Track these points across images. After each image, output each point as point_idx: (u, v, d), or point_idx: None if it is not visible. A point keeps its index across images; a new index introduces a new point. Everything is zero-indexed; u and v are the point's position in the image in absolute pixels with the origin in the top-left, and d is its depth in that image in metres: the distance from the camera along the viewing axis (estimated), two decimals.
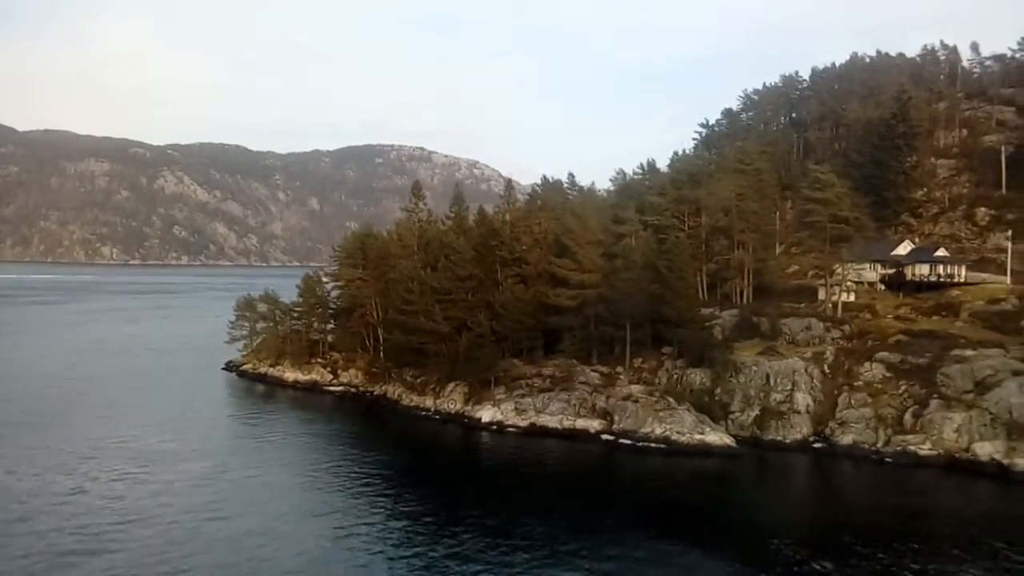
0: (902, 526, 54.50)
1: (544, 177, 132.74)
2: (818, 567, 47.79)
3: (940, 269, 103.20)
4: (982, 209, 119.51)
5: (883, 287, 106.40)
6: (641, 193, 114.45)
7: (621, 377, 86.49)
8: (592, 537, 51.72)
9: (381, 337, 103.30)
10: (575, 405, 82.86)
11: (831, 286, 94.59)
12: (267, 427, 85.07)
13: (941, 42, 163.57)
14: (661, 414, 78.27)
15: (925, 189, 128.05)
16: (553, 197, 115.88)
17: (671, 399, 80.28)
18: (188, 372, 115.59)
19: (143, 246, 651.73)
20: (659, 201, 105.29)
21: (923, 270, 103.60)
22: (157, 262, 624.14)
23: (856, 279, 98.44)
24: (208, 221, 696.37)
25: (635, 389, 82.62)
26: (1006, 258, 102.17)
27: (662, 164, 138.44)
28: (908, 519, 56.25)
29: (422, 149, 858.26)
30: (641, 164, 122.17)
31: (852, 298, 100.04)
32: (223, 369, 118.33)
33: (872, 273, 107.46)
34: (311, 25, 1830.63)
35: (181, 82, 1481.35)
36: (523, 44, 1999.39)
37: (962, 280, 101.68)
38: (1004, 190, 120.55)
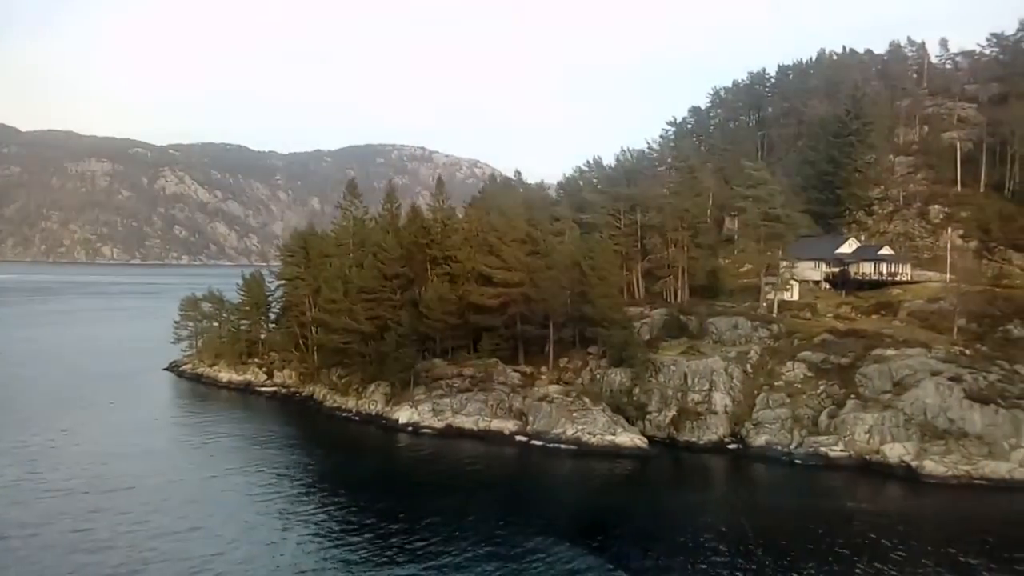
0: (798, 530, 53.36)
1: (492, 175, 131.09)
2: (708, 571, 46.67)
3: (884, 268, 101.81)
4: (936, 206, 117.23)
5: (827, 286, 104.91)
6: (581, 190, 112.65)
7: (543, 377, 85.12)
8: (483, 543, 50.39)
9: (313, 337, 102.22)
10: (492, 406, 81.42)
11: (766, 284, 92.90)
12: (187, 428, 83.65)
13: (908, 38, 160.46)
14: (575, 415, 76.75)
15: (882, 186, 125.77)
16: (500, 194, 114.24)
17: (587, 399, 78.72)
18: (129, 372, 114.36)
19: (144, 246, 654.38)
20: (595, 198, 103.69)
21: (867, 268, 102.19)
22: (157, 262, 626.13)
23: (791, 276, 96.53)
24: (209, 221, 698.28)
25: (552, 389, 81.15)
26: (955, 256, 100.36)
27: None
28: (806, 522, 54.88)
29: (423, 149, 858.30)
30: (588, 160, 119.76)
31: (796, 297, 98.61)
32: (164, 369, 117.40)
33: (816, 272, 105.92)
34: (313, 25, 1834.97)
35: (183, 82, 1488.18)
36: (524, 42, 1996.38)
37: (907, 278, 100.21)
38: (959, 187, 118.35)
